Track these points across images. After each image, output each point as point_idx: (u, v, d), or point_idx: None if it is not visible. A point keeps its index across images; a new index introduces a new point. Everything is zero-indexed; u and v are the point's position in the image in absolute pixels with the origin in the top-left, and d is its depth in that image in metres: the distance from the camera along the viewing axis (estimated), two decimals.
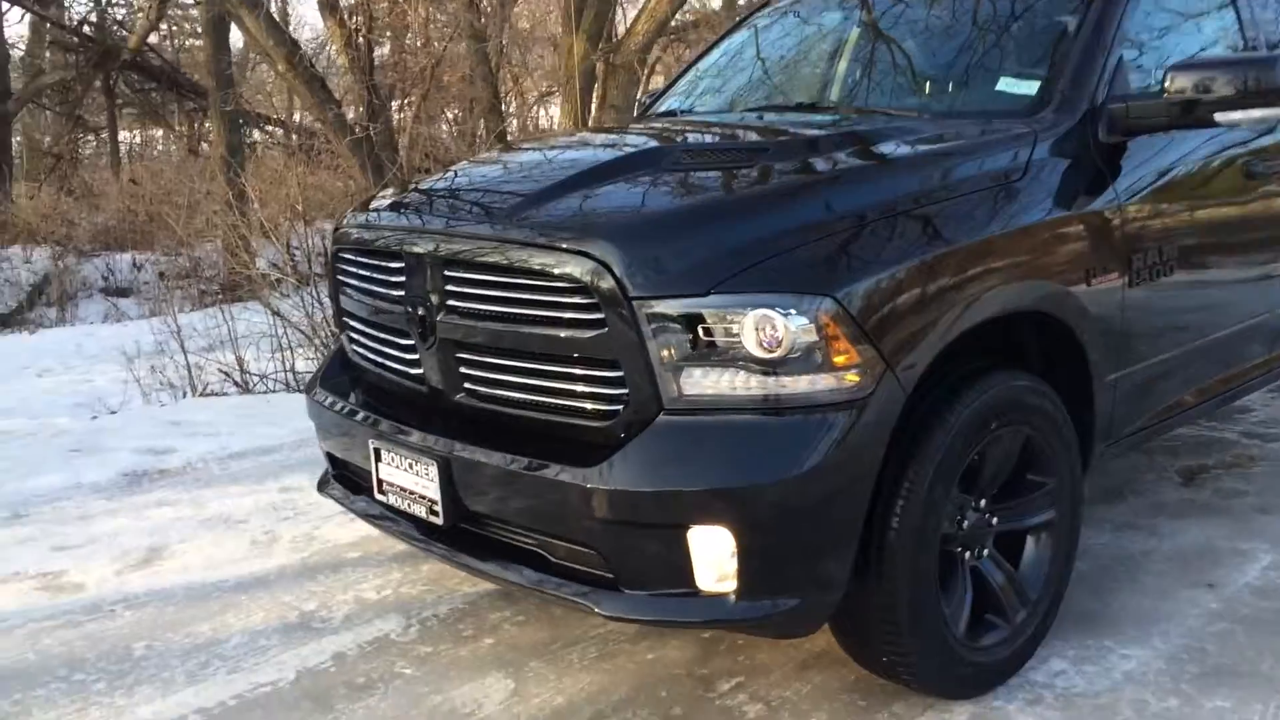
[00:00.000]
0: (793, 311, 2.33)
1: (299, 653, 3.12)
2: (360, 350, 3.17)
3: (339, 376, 3.28)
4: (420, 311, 2.76)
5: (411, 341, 2.83)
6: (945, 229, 2.57)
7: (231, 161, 12.58)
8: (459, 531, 2.73)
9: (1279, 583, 3.34)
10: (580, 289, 2.44)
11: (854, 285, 2.38)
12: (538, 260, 2.50)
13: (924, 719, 2.71)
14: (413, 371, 2.87)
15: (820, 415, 2.35)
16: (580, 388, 2.51)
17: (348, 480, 3.20)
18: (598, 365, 2.47)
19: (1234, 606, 3.20)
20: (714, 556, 2.36)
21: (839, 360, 2.36)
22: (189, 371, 6.66)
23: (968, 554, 2.75)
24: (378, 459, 2.86)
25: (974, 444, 2.62)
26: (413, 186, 3.28)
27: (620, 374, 2.42)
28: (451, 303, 2.69)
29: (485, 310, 2.63)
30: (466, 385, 2.72)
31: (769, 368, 2.35)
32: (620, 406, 2.44)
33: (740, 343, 2.34)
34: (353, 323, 3.18)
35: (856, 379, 2.38)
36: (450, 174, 3.30)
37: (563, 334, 2.49)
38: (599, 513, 2.38)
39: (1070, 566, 2.98)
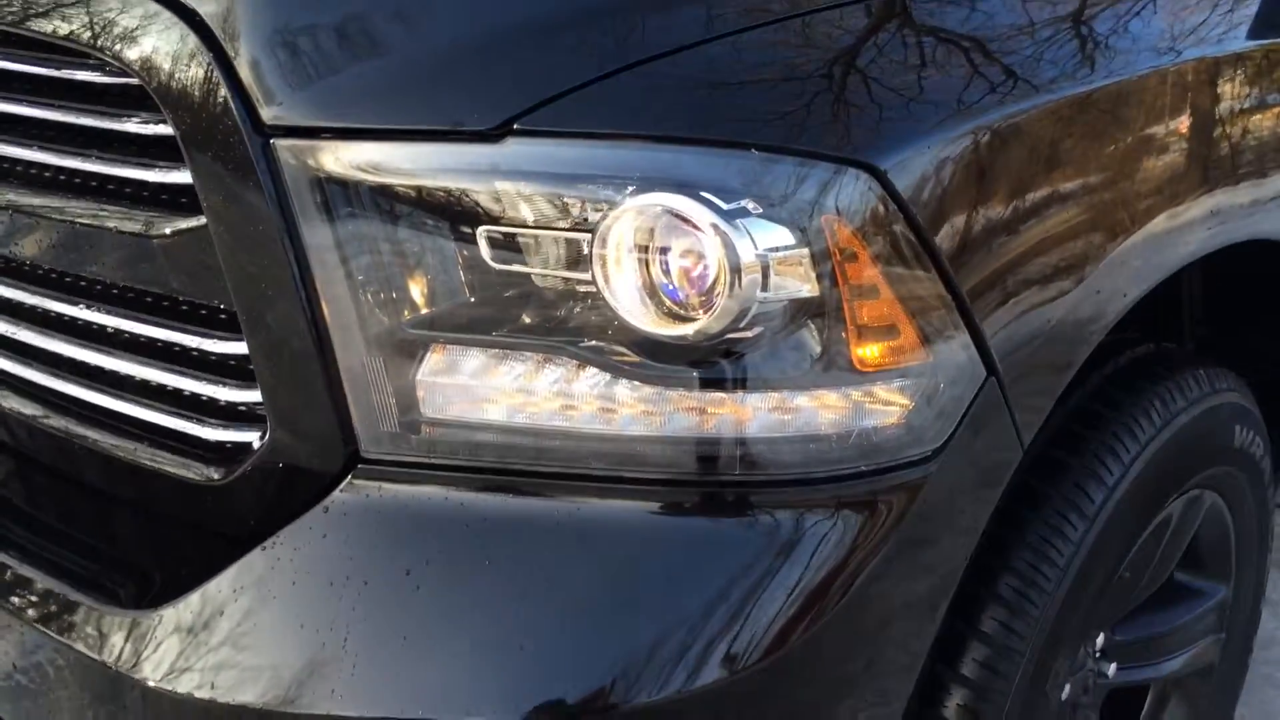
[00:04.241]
0: (748, 204, 0.76)
1: None
2: None
3: None
4: None
5: None
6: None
7: None
8: None
9: None
10: (136, 97, 0.84)
11: (924, 141, 0.82)
12: (48, 24, 0.88)
13: None
14: None
15: (807, 507, 0.82)
16: (160, 375, 0.92)
17: None
18: (190, 320, 0.89)
19: None
20: None
21: (868, 354, 0.82)
22: None
23: None
24: None
25: (1139, 530, 1.13)
26: None
27: (243, 347, 0.84)
28: None
29: None
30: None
31: (678, 362, 0.79)
32: (253, 434, 0.87)
33: (592, 282, 0.78)
34: None
35: (906, 403, 0.84)
36: None
37: (108, 223, 0.90)
38: None
39: None
